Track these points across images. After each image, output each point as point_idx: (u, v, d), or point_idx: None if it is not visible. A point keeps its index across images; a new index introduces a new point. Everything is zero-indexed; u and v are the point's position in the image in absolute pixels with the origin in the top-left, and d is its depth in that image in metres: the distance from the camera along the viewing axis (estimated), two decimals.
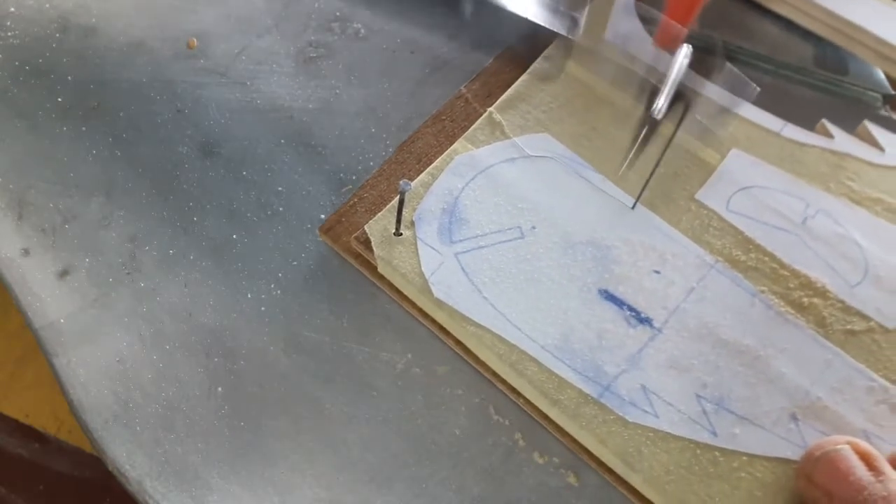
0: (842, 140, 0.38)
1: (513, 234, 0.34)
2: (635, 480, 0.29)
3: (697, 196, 0.36)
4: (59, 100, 0.39)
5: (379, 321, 0.34)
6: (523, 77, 0.39)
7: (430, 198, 0.34)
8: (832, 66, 0.42)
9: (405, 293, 0.33)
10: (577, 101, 0.38)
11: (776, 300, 0.33)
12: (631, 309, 0.32)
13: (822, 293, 0.33)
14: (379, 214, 0.34)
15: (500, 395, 0.32)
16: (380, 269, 0.33)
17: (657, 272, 0.33)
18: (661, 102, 0.33)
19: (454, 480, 0.31)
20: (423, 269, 0.32)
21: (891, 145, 0.38)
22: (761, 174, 0.37)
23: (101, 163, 0.37)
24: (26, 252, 0.35)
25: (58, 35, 0.41)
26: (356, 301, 0.34)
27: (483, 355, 0.31)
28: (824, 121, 0.39)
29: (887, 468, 0.27)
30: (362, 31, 0.42)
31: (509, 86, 0.38)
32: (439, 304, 0.32)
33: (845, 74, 0.42)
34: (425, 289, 0.32)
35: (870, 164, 0.38)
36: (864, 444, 0.27)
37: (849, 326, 0.33)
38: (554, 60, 0.39)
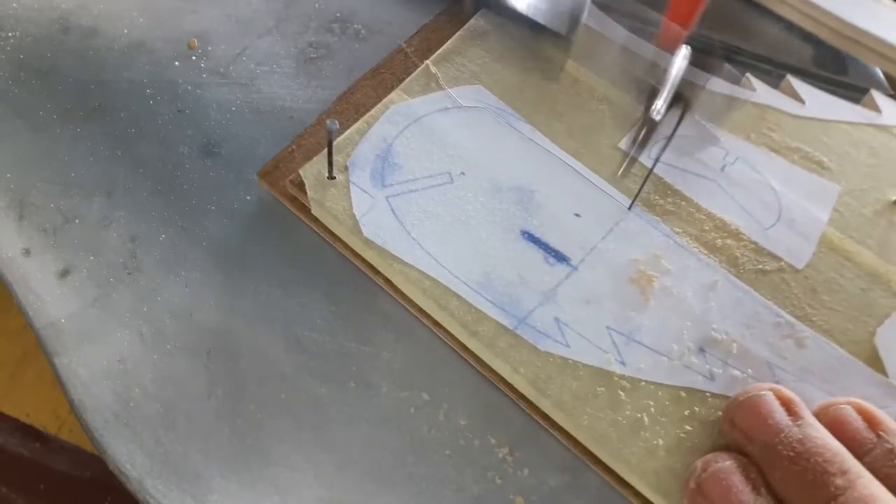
0: (764, 93, 0.40)
1: (442, 179, 0.35)
2: (545, 405, 0.31)
3: (620, 145, 0.37)
4: (60, 100, 0.39)
5: (379, 321, 0.34)
6: (460, 32, 0.41)
7: (365, 144, 0.36)
8: (832, 67, 0.42)
9: (336, 233, 0.34)
10: (511, 56, 0.40)
11: (690, 241, 0.35)
12: (550, 249, 0.34)
13: (736, 235, 0.35)
14: (314, 159, 0.35)
15: (502, 395, 0.32)
16: (313, 211, 0.35)
17: (577, 215, 0.35)
18: (660, 104, 0.33)
19: (454, 480, 0.31)
20: (354, 210, 0.34)
21: (811, 98, 0.40)
22: (683, 124, 0.38)
23: (102, 163, 0.37)
24: (27, 252, 0.35)
25: (59, 36, 0.41)
26: (356, 300, 0.34)
27: (409, 291, 0.33)
28: (748, 75, 0.40)
29: (806, 414, 0.28)
30: (362, 31, 0.42)
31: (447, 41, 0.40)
32: (368, 243, 0.33)
33: (844, 75, 0.42)
34: (356, 229, 0.33)
35: (790, 115, 0.39)
36: (786, 391, 0.28)
37: (760, 266, 0.34)
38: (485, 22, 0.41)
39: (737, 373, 0.31)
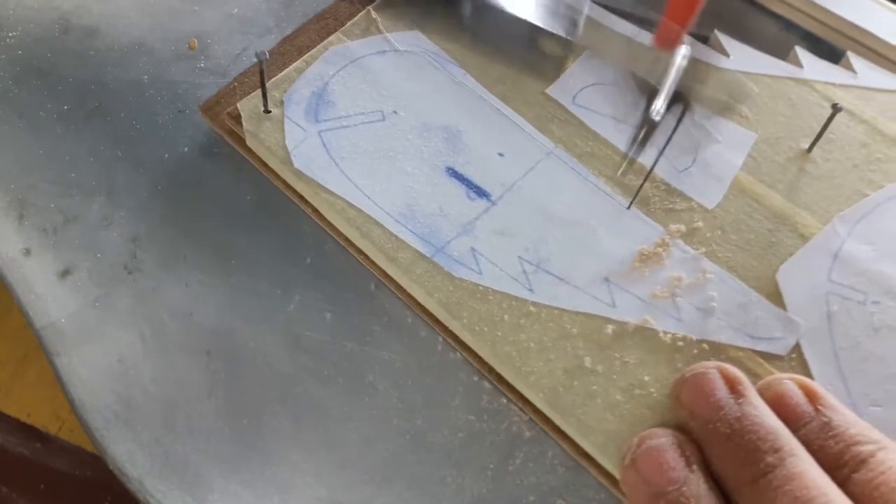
0: (690, 45, 0.40)
1: (375, 116, 0.37)
2: (455, 327, 0.32)
3: (548, 91, 0.39)
4: (60, 100, 0.39)
5: (379, 320, 0.34)
6: None
7: (301, 81, 0.38)
8: None
9: (269, 164, 0.36)
10: (452, 5, 0.41)
11: (605, 181, 0.36)
12: (472, 185, 0.35)
13: (650, 176, 0.36)
14: (252, 94, 0.37)
15: (500, 395, 0.32)
16: (248, 142, 0.36)
17: (501, 155, 0.36)
18: (660, 104, 0.33)
19: (454, 480, 0.31)
20: (286, 142, 0.35)
21: (735, 52, 0.41)
22: (609, 74, 0.40)
23: (102, 163, 0.37)
24: (27, 252, 0.35)
25: (59, 36, 0.41)
26: (356, 301, 0.34)
27: (333, 219, 0.35)
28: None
29: (750, 393, 0.28)
30: None
31: None
32: (299, 174, 0.35)
33: None
34: (287, 160, 0.35)
35: (715, 68, 0.41)
36: (732, 370, 0.28)
37: (670, 206, 0.36)
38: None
39: (638, 302, 0.33)
